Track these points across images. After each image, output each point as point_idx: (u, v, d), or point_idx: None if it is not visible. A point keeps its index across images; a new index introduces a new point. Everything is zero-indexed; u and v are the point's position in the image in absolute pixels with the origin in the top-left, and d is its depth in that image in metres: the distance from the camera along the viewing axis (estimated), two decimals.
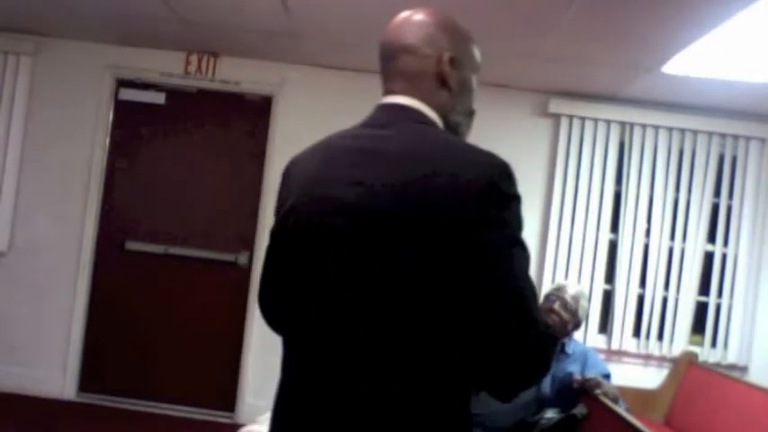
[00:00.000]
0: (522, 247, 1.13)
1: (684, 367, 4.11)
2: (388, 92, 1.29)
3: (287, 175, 1.34)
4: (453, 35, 1.29)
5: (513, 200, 1.14)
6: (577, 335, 3.38)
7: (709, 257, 4.30)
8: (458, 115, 1.30)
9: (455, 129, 1.30)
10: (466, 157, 1.15)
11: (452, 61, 1.26)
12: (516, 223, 1.14)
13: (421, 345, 1.11)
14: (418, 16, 1.30)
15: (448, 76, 1.26)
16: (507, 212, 1.12)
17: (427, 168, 1.13)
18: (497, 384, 1.17)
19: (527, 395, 2.92)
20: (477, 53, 1.34)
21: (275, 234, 1.33)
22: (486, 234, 1.10)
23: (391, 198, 1.13)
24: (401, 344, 1.12)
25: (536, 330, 1.11)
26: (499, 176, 1.12)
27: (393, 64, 1.29)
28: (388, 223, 1.13)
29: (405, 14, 1.32)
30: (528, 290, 1.12)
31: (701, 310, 4.30)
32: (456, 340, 1.12)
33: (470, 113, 1.33)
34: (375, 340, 1.13)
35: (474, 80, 1.33)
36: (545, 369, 1.14)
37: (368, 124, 1.27)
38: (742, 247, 4.27)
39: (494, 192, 1.11)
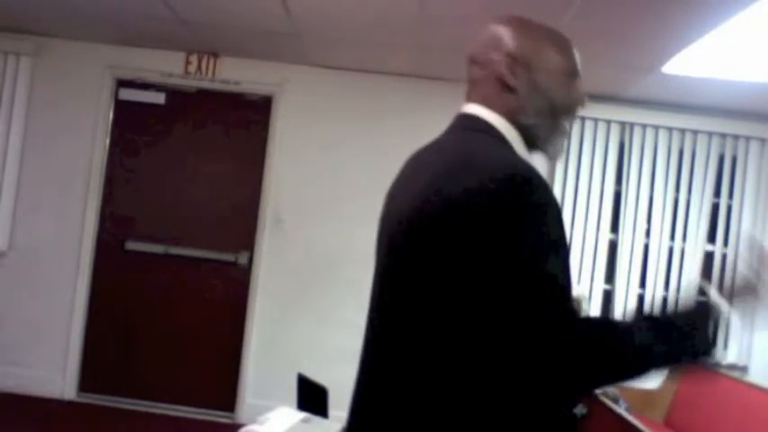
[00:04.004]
0: (530, 257, 1.07)
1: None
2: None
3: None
4: (520, 37, 1.27)
5: (520, 208, 1.07)
6: None
7: (709, 257, 4.30)
8: (530, 117, 1.26)
9: (530, 131, 1.27)
10: (478, 167, 1.12)
11: (514, 63, 1.25)
12: (522, 233, 1.07)
13: (438, 353, 1.12)
14: (489, 26, 1.32)
15: (507, 79, 1.25)
16: (508, 224, 1.06)
17: (443, 179, 1.14)
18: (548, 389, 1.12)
19: None
20: (555, 53, 1.28)
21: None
22: (488, 247, 1.06)
23: (416, 210, 1.16)
24: (425, 353, 1.13)
25: (547, 344, 1.06)
26: (504, 187, 1.08)
27: (468, 75, 1.32)
28: (410, 236, 1.16)
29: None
30: (534, 308, 1.06)
31: None
32: (476, 350, 1.10)
33: (550, 114, 1.27)
34: (404, 354, 1.16)
35: (553, 80, 1.27)
36: (584, 370, 1.09)
37: (442, 133, 1.32)
38: (742, 247, 4.26)
39: (494, 203, 1.07)
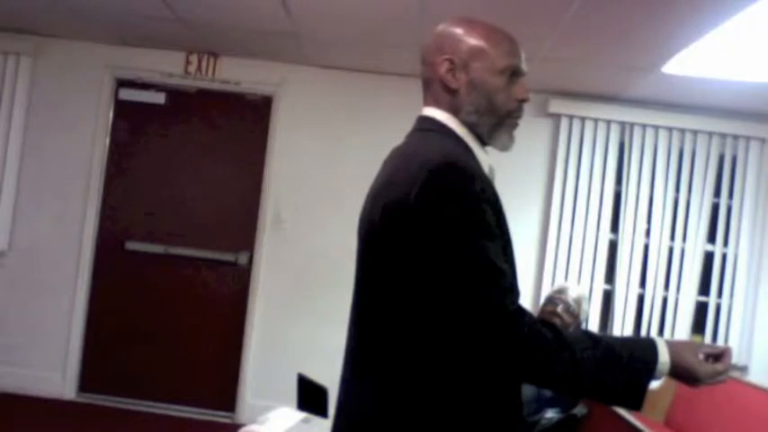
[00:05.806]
0: (461, 246, 1.17)
1: None
2: None
3: None
4: (461, 39, 1.34)
5: (445, 199, 1.18)
6: None
7: (709, 257, 4.30)
8: (469, 115, 1.34)
9: (473, 128, 1.35)
10: (411, 166, 1.23)
11: (453, 65, 1.32)
12: (450, 222, 1.17)
13: (394, 337, 1.24)
14: (437, 28, 1.39)
15: (447, 81, 1.33)
16: (436, 218, 1.17)
17: (389, 179, 1.28)
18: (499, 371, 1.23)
19: (527, 394, 2.92)
20: (495, 54, 1.33)
21: None
22: (421, 238, 1.18)
23: (372, 211, 1.29)
24: (381, 338, 1.27)
25: (481, 330, 1.15)
26: (425, 182, 1.18)
27: (420, 75, 1.39)
28: (366, 236, 1.32)
29: None
30: (463, 293, 1.15)
31: (701, 310, 4.30)
32: (425, 333, 1.21)
33: (490, 112, 1.34)
34: (364, 339, 1.32)
35: (491, 80, 1.33)
36: (515, 352, 1.16)
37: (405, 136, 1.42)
38: (742, 247, 4.26)
39: (424, 196, 1.18)
